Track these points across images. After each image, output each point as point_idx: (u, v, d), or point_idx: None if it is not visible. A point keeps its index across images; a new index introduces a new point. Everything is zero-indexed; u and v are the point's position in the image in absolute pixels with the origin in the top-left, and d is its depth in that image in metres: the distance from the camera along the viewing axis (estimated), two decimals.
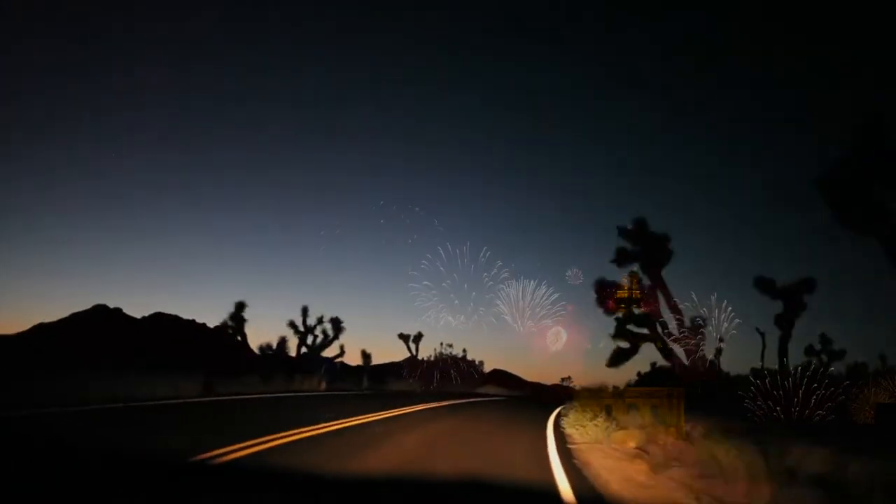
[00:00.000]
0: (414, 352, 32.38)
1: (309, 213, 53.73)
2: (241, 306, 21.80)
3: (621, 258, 15.76)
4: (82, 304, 29.34)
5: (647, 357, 40.85)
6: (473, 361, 37.03)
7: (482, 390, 41.16)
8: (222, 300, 51.09)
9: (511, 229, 54.81)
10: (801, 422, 13.03)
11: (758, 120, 46.73)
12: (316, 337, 22.85)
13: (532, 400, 26.90)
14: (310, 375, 20.49)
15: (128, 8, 41.20)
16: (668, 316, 16.48)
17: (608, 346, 33.77)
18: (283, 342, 22.63)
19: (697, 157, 51.61)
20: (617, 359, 15.97)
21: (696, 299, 36.28)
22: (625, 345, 15.97)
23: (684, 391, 9.42)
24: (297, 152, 50.86)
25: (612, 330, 15.69)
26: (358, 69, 50.52)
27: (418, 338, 32.13)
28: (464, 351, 36.91)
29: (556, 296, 32.35)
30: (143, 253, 47.98)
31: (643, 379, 25.41)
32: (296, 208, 53.56)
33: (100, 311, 25.23)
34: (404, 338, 32.24)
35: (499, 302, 33.16)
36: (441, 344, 36.43)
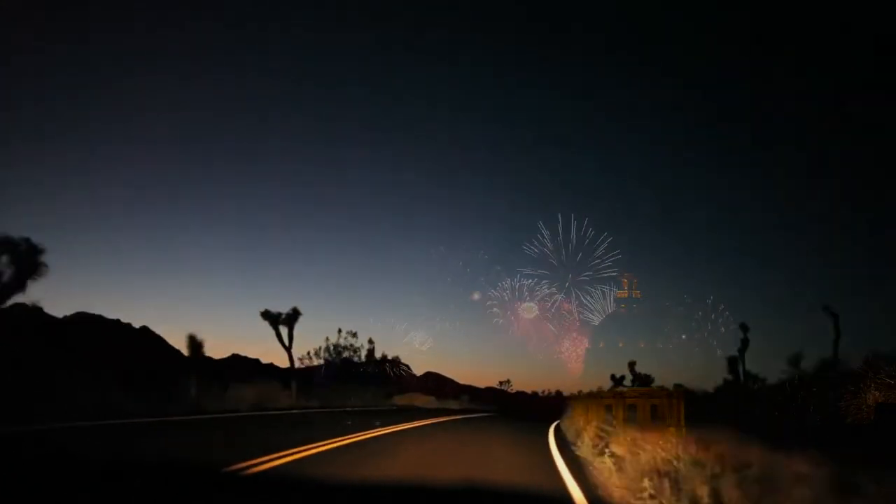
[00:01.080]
0: (286, 341, 19.94)
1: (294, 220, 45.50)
2: None
3: None
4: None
5: (615, 355, 33.76)
6: (386, 358, 25.07)
7: (403, 401, 29.64)
8: (150, 299, 42.40)
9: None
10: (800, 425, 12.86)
11: None
12: None
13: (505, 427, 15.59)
14: None
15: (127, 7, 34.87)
16: None
17: (609, 346, 28.18)
18: None
19: None
20: None
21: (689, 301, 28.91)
22: None
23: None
24: (293, 165, 43.84)
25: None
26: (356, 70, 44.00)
27: (293, 318, 19.73)
28: (370, 342, 24.85)
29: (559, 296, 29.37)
30: (68, 248, 38.67)
31: None
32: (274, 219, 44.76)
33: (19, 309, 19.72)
34: (270, 318, 19.74)
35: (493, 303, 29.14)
36: (339, 332, 24.21)
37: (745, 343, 20.91)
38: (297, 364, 22.61)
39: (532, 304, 31.94)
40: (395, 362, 30.90)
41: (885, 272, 34.30)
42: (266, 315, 20.13)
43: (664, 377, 28.98)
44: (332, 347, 24.31)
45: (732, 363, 21.03)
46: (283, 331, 20.04)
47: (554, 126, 47.09)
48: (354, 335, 25.17)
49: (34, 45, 31.65)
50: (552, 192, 52.35)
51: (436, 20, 41.79)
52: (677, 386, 22.32)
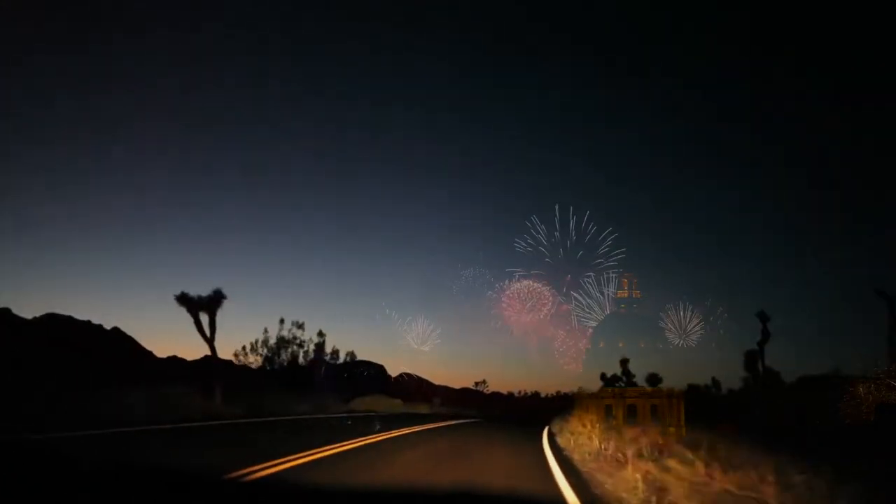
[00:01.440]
0: (206, 331, 15.70)
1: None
2: None
3: None
4: None
5: (615, 355, 32.24)
6: (336, 355, 20.97)
7: (365, 405, 25.61)
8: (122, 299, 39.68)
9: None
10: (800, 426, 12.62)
11: None
12: None
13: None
14: None
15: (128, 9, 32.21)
16: None
17: (609, 346, 26.13)
18: None
19: None
20: None
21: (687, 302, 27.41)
22: None
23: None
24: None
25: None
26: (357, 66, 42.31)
27: (214, 302, 15.51)
28: (320, 335, 20.68)
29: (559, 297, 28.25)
30: (35, 246, 35.99)
31: None
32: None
33: None
34: (188, 303, 15.49)
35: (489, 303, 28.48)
36: (281, 322, 20.01)
37: (765, 335, 17.70)
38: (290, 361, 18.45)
39: (531, 302, 29.30)
40: (355, 363, 26.79)
41: (885, 272, 32.48)
42: (182, 299, 15.82)
43: (663, 377, 26.41)
44: (270, 341, 20.08)
45: (751, 357, 17.80)
46: (204, 318, 15.80)
47: (553, 126, 46.00)
48: (301, 326, 21.01)
49: None
50: (551, 192, 52.03)
51: (436, 20, 40.52)
52: (691, 387, 19.35)
